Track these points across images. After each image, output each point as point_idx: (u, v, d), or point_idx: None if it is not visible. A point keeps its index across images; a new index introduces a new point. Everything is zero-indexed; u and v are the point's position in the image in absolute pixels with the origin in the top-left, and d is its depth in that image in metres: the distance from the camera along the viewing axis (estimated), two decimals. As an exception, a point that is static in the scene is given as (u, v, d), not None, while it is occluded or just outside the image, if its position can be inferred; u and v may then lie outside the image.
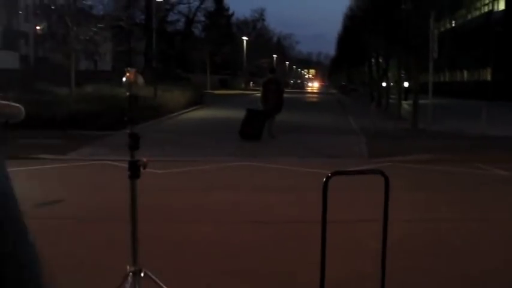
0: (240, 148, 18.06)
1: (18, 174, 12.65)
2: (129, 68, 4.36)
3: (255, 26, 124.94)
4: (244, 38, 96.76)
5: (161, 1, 76.26)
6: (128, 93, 4.41)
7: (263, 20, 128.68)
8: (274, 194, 10.93)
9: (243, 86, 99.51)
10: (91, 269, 6.52)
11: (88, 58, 62.53)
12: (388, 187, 4.41)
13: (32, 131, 19.04)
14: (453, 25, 70.79)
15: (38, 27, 61.67)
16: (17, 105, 8.51)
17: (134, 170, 4.41)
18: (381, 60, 43.34)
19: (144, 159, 4.56)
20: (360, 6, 39.68)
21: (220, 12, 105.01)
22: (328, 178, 4.20)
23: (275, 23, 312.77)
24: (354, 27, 45.81)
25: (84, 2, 31.93)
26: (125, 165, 13.35)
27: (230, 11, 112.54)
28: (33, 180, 12.35)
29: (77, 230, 8.25)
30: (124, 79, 4.33)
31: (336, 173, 4.28)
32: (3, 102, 8.31)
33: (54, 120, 20.67)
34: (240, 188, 11.66)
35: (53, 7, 30.01)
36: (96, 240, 7.62)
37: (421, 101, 25.02)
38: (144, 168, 4.52)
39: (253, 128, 20.55)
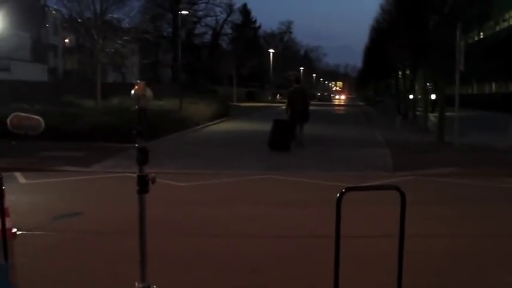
0: (263, 161, 17.95)
1: (40, 186, 12.77)
2: (138, 81, 4.29)
3: (282, 38, 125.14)
4: (271, 50, 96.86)
5: (188, 14, 76.80)
6: (136, 107, 4.32)
7: (290, 32, 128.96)
8: (294, 208, 10.82)
9: (269, 98, 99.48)
10: (102, 284, 6.46)
11: (116, 71, 63.06)
12: (405, 203, 4.28)
13: (56, 143, 19.18)
14: (481, 37, 70.18)
15: (66, 40, 62.37)
16: (37, 117, 8.47)
17: (143, 184, 4.31)
18: (408, 72, 43.06)
19: (153, 174, 4.45)
20: (386, 19, 39.54)
21: (247, 25, 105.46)
22: (342, 194, 4.12)
23: (302, 36, 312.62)
24: (380, 40, 45.57)
25: (110, 15, 32.10)
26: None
27: (257, 24, 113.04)
28: (54, 192, 12.38)
29: (94, 244, 8.20)
30: (132, 92, 4.26)
31: (350, 189, 4.18)
32: (23, 114, 8.27)
33: (78, 132, 20.74)
34: (261, 201, 11.56)
35: (79, 20, 30.19)
36: (112, 254, 7.57)
37: (448, 114, 24.74)
38: (153, 182, 4.42)
39: (282, 139, 20.70)
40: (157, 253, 7.51)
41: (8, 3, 40.98)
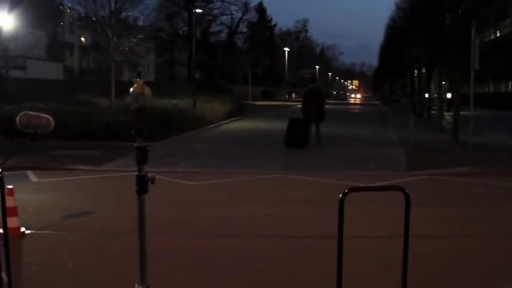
0: (276, 160, 17.89)
1: (52, 185, 12.77)
2: (137, 79, 4.23)
3: (298, 37, 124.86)
4: (286, 49, 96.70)
5: (204, 12, 76.86)
6: (135, 106, 4.26)
7: (306, 31, 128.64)
8: (303, 208, 10.74)
9: (286, 97, 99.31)
10: (105, 284, 6.43)
11: (131, 69, 63.20)
12: (409, 204, 4.20)
13: (69, 142, 19.22)
14: (498, 35, 69.67)
15: (82, 39, 62.60)
16: (46, 116, 8.47)
17: (142, 184, 4.25)
18: (423, 71, 42.79)
19: (152, 174, 4.40)
20: (401, 17, 39.28)
21: (263, 24, 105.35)
22: (344, 195, 4.05)
23: (318, 34, 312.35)
24: (395, 38, 45.31)
25: (125, 13, 32.18)
26: (160, 177, 13.37)
27: (273, 22, 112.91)
28: (66, 191, 12.38)
29: (101, 243, 8.17)
30: (131, 90, 4.21)
31: (353, 189, 4.11)
32: (32, 113, 8.27)
33: (91, 131, 20.74)
34: (270, 201, 11.50)
35: (94, 18, 30.25)
36: (119, 254, 7.53)
37: (463, 113, 24.54)
38: (152, 182, 4.37)
39: (297, 137, 20.92)
40: (165, 253, 7.48)
41: (23, 2, 41.15)
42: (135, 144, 4.38)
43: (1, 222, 7.82)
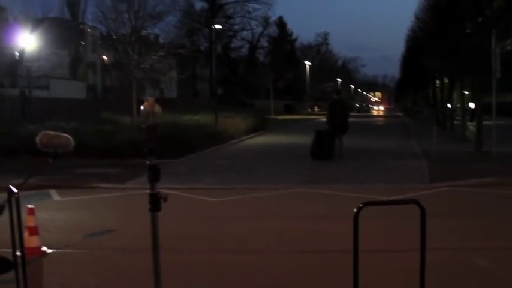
0: (297, 174, 17.85)
1: (74, 204, 12.86)
2: (148, 97, 4.25)
3: (319, 50, 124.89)
4: (307, 62, 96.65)
5: (224, 28, 77.14)
6: (145, 124, 4.28)
7: (327, 44, 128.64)
8: (322, 222, 10.69)
9: (308, 110, 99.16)
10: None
11: (154, 86, 63.55)
12: (425, 217, 4.17)
13: (92, 160, 19.32)
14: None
15: (104, 58, 63.15)
16: (66, 135, 8.53)
17: (155, 203, 4.26)
18: (445, 81, 42.53)
19: (164, 192, 4.41)
20: (421, 27, 39.09)
21: (283, 38, 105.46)
22: (359, 209, 4.05)
23: (340, 47, 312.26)
24: (416, 49, 45.08)
25: (145, 31, 32.38)
26: (181, 193, 13.35)
27: (294, 36, 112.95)
28: (88, 209, 12.46)
29: (122, 261, 8.20)
30: (141, 108, 4.23)
31: (367, 204, 4.10)
32: (52, 132, 8.33)
33: (114, 149, 20.83)
34: (291, 216, 11.49)
35: (114, 37, 30.51)
36: (139, 272, 7.53)
37: (486, 122, 24.31)
38: (165, 200, 4.37)
39: (323, 149, 21.28)
40: (183, 270, 7.49)
41: (45, 23, 41.65)
42: (147, 162, 4.39)
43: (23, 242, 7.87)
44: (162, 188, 13.32)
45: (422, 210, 4.17)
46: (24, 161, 17.47)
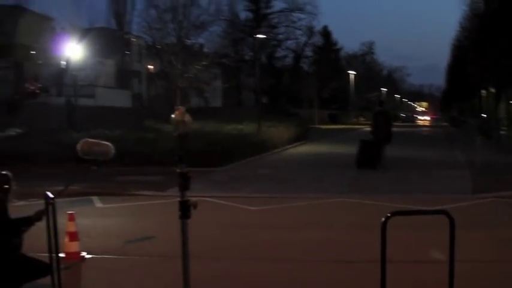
0: (338, 184, 17.81)
1: (116, 210, 13.05)
2: (179, 107, 4.33)
3: (364, 59, 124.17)
4: (351, 72, 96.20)
5: (269, 38, 77.26)
6: (176, 133, 4.35)
7: (372, 53, 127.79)
8: (359, 232, 10.64)
9: (354, 120, 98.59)
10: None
11: (199, 95, 63.96)
12: (454, 228, 4.16)
13: (135, 168, 19.57)
14: None
15: (150, 67, 63.82)
16: (106, 143, 8.69)
17: (185, 210, 4.33)
18: (492, 91, 41.99)
19: (194, 199, 4.48)
20: (466, 36, 38.73)
21: (328, 47, 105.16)
22: (387, 218, 4.06)
23: (385, 56, 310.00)
24: (461, 58, 44.63)
25: (189, 40, 32.71)
26: (222, 201, 13.39)
27: (338, 45, 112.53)
28: (129, 216, 12.64)
29: (159, 268, 8.30)
30: (172, 117, 4.31)
31: (395, 213, 4.12)
32: (92, 140, 8.48)
33: (156, 156, 21.02)
34: (330, 225, 11.47)
35: (158, 47, 30.91)
36: (175, 278, 7.60)
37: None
38: (194, 208, 4.44)
39: (368, 158, 21.58)
40: (221, 277, 7.56)
41: (92, 33, 42.28)
42: (177, 170, 4.47)
43: (61, 247, 8.04)
44: (204, 197, 13.45)
45: (452, 221, 4.16)
46: (68, 169, 17.77)
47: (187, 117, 4.38)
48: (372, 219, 11.94)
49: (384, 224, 3.99)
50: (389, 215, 4.01)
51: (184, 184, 4.34)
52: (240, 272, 7.90)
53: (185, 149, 4.44)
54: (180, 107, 4.37)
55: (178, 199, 4.47)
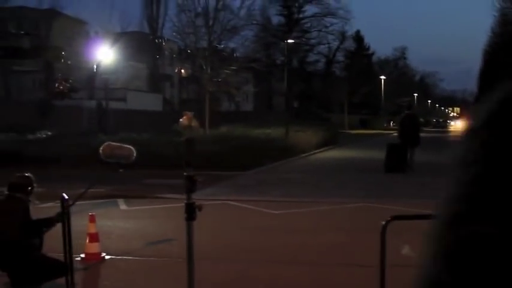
0: (363, 189, 17.77)
1: (139, 213, 13.23)
2: (187, 112, 4.45)
3: (397, 64, 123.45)
4: (382, 77, 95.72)
5: (301, 42, 77.27)
6: (183, 138, 4.48)
7: (405, 58, 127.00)
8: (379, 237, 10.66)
9: (385, 125, 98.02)
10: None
11: (230, 99, 64.23)
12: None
13: (161, 171, 19.76)
14: None
15: (182, 70, 64.25)
16: (129, 146, 8.89)
17: (190, 212, 4.45)
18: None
19: (199, 202, 4.60)
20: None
21: (360, 52, 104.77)
22: (387, 222, 4.13)
23: (418, 61, 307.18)
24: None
25: (219, 45, 32.91)
26: (247, 205, 13.53)
27: (371, 50, 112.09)
28: (152, 218, 12.79)
29: (178, 270, 8.38)
30: (180, 121, 4.43)
31: (395, 218, 4.19)
32: (115, 144, 8.69)
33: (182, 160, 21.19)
34: (349, 229, 11.50)
35: (189, 51, 31.17)
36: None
37: None
38: (200, 210, 4.56)
39: (396, 162, 21.74)
40: (239, 279, 7.67)
41: (124, 36, 42.75)
42: (184, 173, 4.59)
43: (84, 248, 8.23)
44: (228, 200, 13.57)
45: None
46: (94, 171, 18.02)
47: (195, 123, 4.51)
48: (394, 225, 12.02)
49: (384, 228, 4.07)
50: (389, 219, 4.09)
51: (190, 187, 4.46)
52: (261, 275, 8.00)
53: (193, 153, 4.55)
54: (187, 112, 4.49)
55: (185, 201, 4.59)
